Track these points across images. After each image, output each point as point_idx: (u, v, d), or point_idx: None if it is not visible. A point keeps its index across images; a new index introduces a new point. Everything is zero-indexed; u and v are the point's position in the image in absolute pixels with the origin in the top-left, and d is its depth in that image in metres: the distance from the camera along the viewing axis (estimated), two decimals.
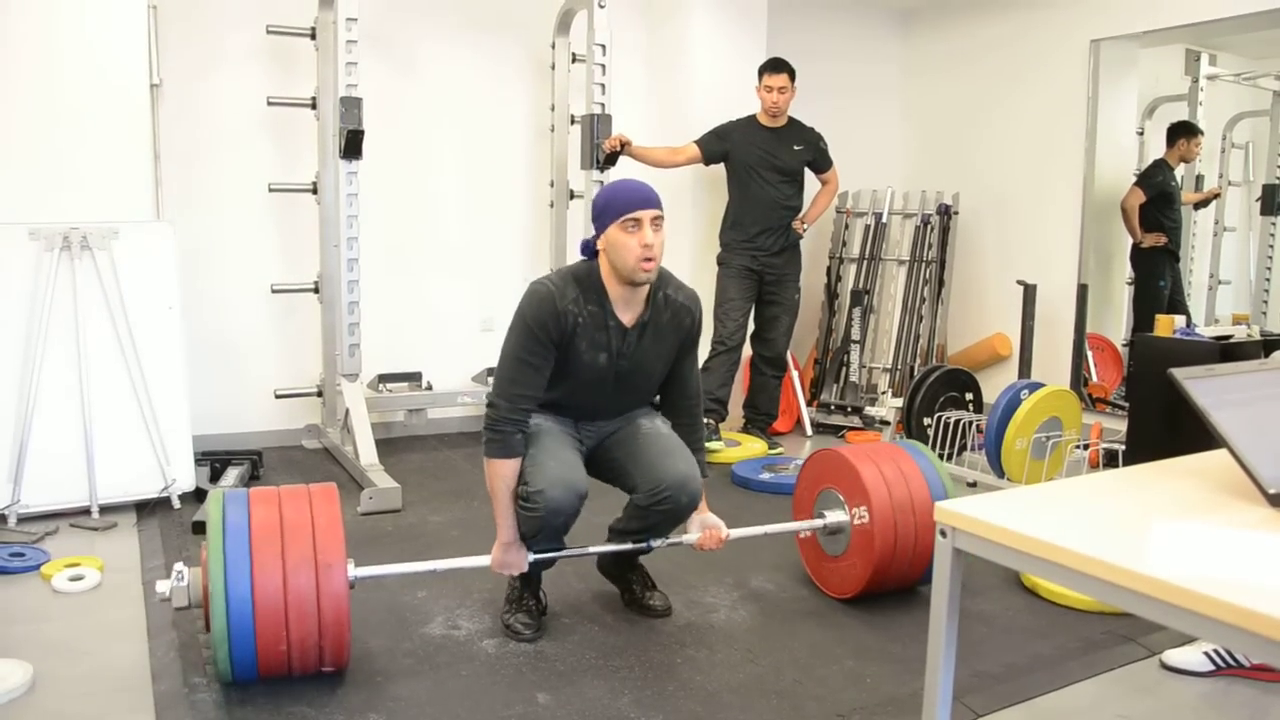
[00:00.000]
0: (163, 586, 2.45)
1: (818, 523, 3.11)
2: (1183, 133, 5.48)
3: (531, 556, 2.73)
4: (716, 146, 5.01)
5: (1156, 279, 5.56)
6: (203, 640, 2.67)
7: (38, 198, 3.87)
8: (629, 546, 2.89)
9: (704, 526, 2.87)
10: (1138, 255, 5.61)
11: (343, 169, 4.31)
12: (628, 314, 2.71)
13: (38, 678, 2.46)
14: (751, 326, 5.15)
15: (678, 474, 2.73)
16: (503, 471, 2.67)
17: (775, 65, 4.94)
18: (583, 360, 2.68)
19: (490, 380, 4.96)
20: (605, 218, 2.61)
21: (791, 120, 5.05)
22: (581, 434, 2.86)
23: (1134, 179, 5.56)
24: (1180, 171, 5.56)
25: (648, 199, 2.61)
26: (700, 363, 4.89)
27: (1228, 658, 2.60)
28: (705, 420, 4.78)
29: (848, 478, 3.04)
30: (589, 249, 2.71)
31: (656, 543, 2.87)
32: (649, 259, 2.59)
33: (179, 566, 2.47)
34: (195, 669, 2.55)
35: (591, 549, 2.89)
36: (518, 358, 2.65)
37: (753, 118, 5.03)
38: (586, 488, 2.69)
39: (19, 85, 3.85)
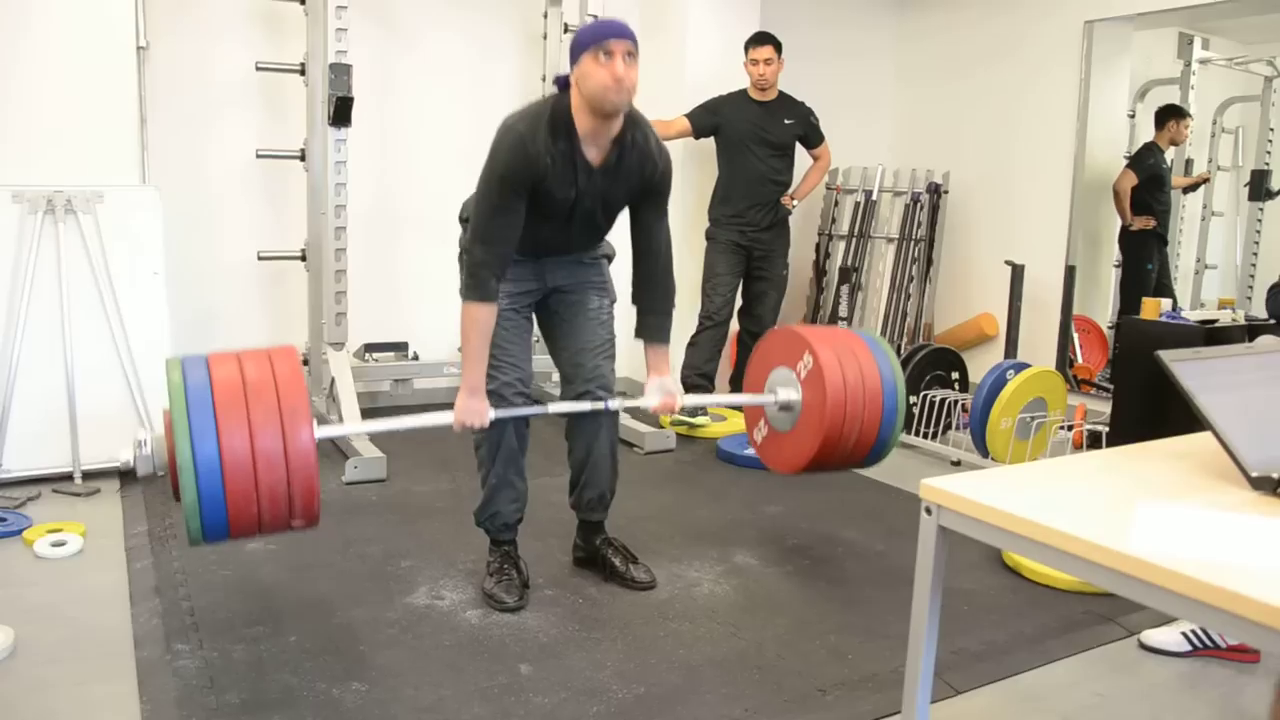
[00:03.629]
0: (126, 455, 2.39)
1: (769, 398, 3.08)
2: (1171, 115, 5.48)
3: (493, 413, 2.71)
4: (707, 120, 4.99)
5: (1144, 262, 5.57)
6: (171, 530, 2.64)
7: (22, 160, 3.82)
8: (587, 406, 2.87)
9: (662, 391, 2.92)
10: (1126, 238, 5.62)
11: (331, 136, 4.28)
12: (595, 152, 2.71)
13: (19, 643, 2.46)
14: (739, 302, 5.15)
15: (598, 371, 2.91)
16: (478, 316, 2.68)
17: (760, 38, 4.93)
18: (549, 196, 2.70)
19: None
20: (578, 49, 2.61)
21: (782, 94, 5.03)
22: (537, 281, 2.90)
23: (1125, 161, 5.56)
24: (1170, 154, 5.57)
25: (621, 31, 2.60)
26: (687, 337, 4.95)
27: (1205, 638, 2.63)
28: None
29: (794, 347, 3.02)
30: (562, 82, 2.73)
31: (614, 404, 2.89)
32: (619, 87, 2.58)
33: (141, 435, 2.41)
34: (178, 635, 2.55)
35: (552, 407, 2.87)
36: (493, 205, 2.67)
37: (744, 92, 5.01)
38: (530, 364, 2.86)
39: (4, 46, 3.79)
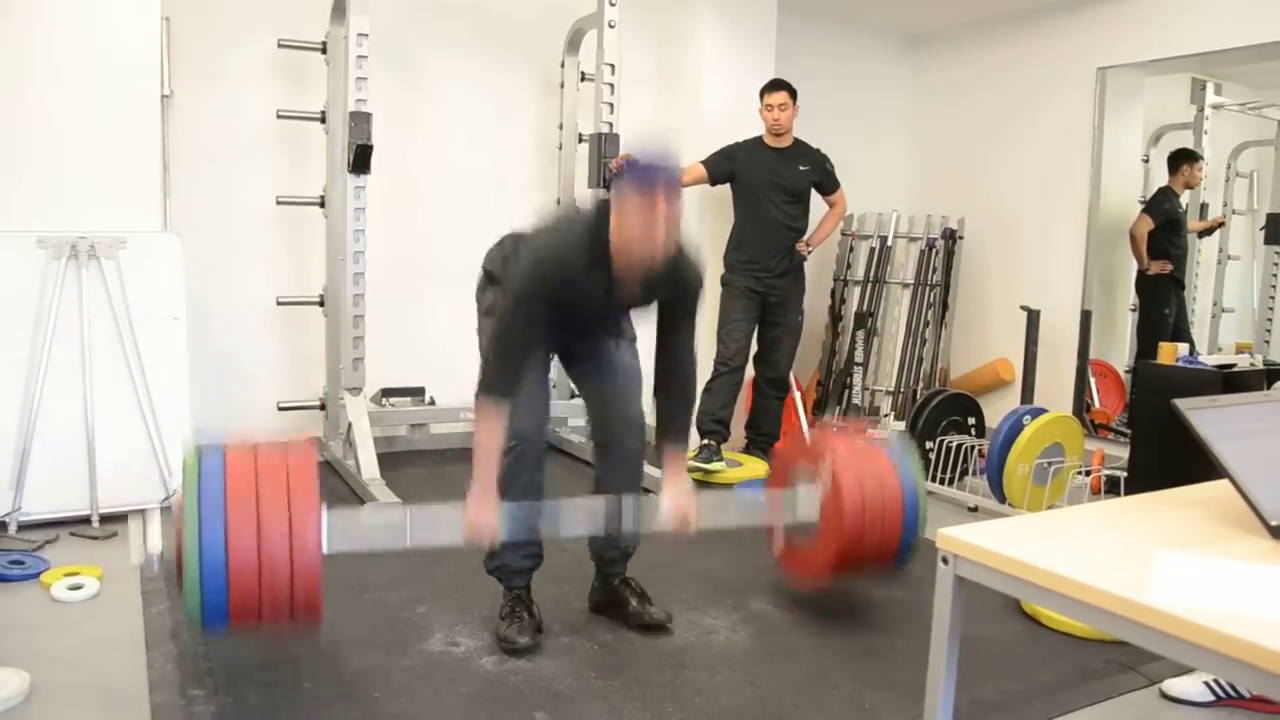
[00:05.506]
0: (136, 548, 2.42)
1: (786, 518, 3.10)
2: (1184, 159, 5.50)
3: (504, 534, 2.68)
4: (722, 167, 5.02)
5: (1161, 306, 5.56)
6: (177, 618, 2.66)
7: (47, 206, 3.87)
8: (603, 534, 2.89)
9: (676, 506, 2.82)
10: (1142, 282, 5.62)
11: (351, 183, 4.33)
12: (627, 278, 2.66)
13: (35, 687, 2.46)
14: (754, 348, 5.15)
15: (630, 415, 2.93)
16: (495, 415, 2.64)
17: (774, 84, 4.98)
18: (575, 309, 2.69)
19: None
20: (622, 189, 2.53)
21: (797, 141, 5.07)
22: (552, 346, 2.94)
23: (1140, 206, 5.57)
24: (1185, 198, 5.58)
25: (670, 180, 2.52)
26: (702, 383, 4.94)
27: (1228, 688, 2.59)
28: (707, 442, 4.81)
29: (816, 460, 3.04)
30: (604, 203, 2.65)
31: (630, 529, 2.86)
32: (658, 247, 2.55)
33: (155, 545, 2.44)
34: (193, 681, 2.54)
35: (564, 530, 2.81)
36: (518, 322, 2.63)
37: (759, 139, 5.05)
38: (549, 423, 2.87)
39: (31, 94, 3.86)
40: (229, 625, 2.33)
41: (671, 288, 2.75)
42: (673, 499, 2.82)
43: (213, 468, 2.37)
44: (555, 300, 2.62)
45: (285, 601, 2.33)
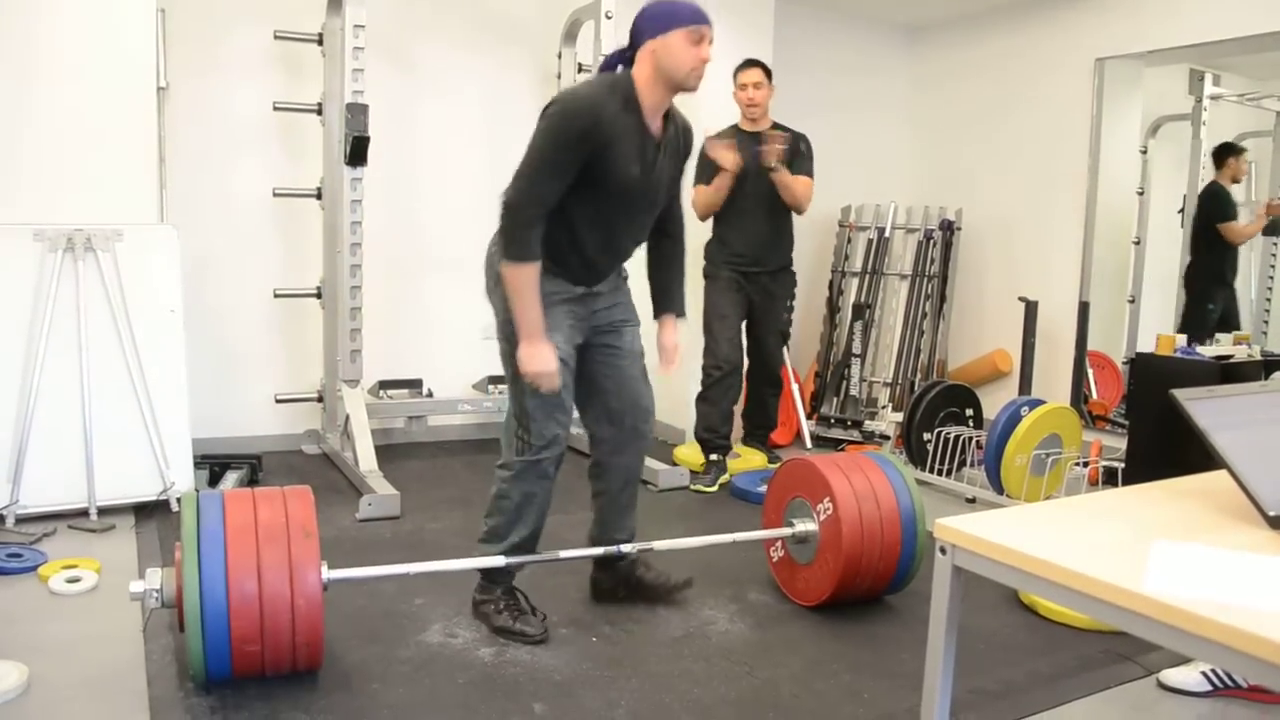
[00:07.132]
0: (137, 587, 2.44)
1: (785, 531, 3.17)
2: (1229, 153, 5.44)
3: (556, 360, 2.70)
4: (710, 165, 4.74)
5: (1206, 301, 5.52)
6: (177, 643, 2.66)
7: (43, 199, 3.87)
8: (600, 551, 2.99)
9: (666, 356, 3.06)
10: (1191, 276, 5.51)
11: (347, 175, 4.32)
12: (655, 125, 2.74)
13: (33, 679, 2.46)
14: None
15: (640, 403, 2.97)
16: (528, 274, 2.66)
17: (746, 63, 4.74)
18: (617, 169, 2.64)
19: (491, 387, 4.98)
20: (668, 22, 2.62)
21: (775, 124, 4.79)
22: (577, 321, 2.83)
23: (1220, 221, 5.45)
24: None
25: (709, 19, 2.68)
26: (694, 394, 4.82)
27: (1226, 678, 2.60)
28: (715, 458, 4.68)
29: (815, 485, 3.08)
30: (618, 62, 2.73)
31: (628, 548, 2.96)
32: (702, 71, 2.66)
33: (152, 572, 2.47)
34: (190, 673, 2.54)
35: (563, 554, 2.91)
36: (548, 161, 2.60)
37: (733, 127, 4.77)
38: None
39: (26, 86, 3.85)
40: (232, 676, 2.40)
41: (685, 147, 2.89)
42: (667, 346, 3.05)
43: (212, 521, 2.41)
44: (595, 137, 2.57)
45: (288, 652, 2.39)
